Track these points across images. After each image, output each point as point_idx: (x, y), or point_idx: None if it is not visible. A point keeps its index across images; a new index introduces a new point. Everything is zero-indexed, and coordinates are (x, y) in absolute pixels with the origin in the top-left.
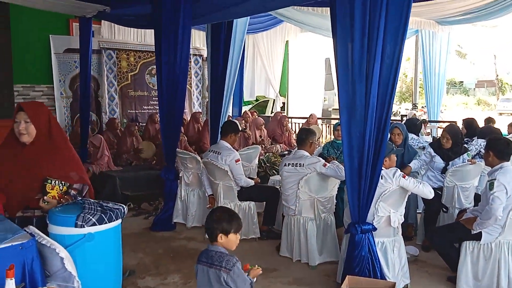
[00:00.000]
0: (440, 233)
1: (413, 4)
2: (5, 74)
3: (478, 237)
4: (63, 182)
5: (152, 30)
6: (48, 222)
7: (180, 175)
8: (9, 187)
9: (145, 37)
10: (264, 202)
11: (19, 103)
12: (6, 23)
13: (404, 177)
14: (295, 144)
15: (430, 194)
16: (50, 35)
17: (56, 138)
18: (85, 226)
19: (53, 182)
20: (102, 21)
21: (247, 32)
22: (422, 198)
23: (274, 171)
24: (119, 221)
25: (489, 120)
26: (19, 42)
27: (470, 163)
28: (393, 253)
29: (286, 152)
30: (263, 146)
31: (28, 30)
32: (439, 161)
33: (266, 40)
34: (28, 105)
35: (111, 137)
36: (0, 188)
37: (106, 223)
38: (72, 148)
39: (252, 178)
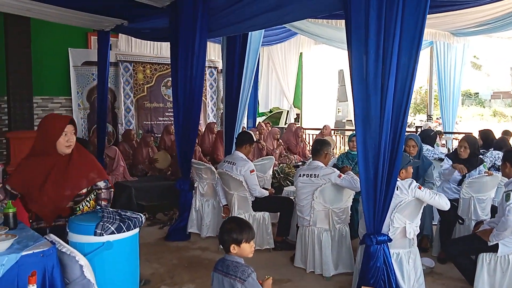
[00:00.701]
0: (456, 245)
1: (428, 16)
2: (26, 86)
3: (495, 249)
4: (88, 199)
5: (168, 43)
6: (68, 230)
7: (195, 185)
8: (42, 196)
9: (161, 50)
10: (279, 213)
11: (68, 116)
12: (27, 36)
13: (420, 188)
14: (309, 155)
15: (446, 205)
16: (68, 48)
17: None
18: (104, 234)
19: (81, 206)
20: (119, 34)
21: (262, 44)
22: (438, 210)
23: (288, 182)
24: (137, 230)
25: (506, 133)
26: (39, 55)
27: (486, 174)
28: (408, 265)
29: (300, 163)
30: (279, 156)
31: (47, 44)
32: (456, 173)
33: (281, 52)
34: (71, 118)
35: (127, 148)
36: (33, 197)
37: (124, 231)
38: (85, 150)
39: (266, 189)
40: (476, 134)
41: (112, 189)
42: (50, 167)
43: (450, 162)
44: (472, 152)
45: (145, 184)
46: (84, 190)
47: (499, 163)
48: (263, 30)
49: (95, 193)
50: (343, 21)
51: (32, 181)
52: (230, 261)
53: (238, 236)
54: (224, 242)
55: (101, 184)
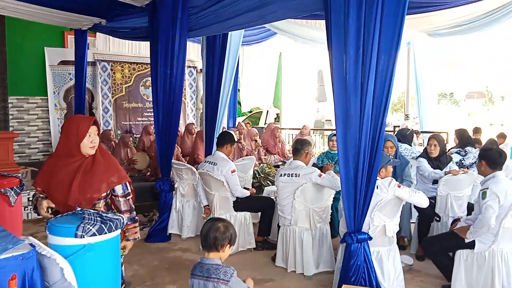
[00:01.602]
0: (434, 242)
1: (406, 17)
2: (1, 86)
3: (471, 246)
4: (104, 201)
5: (147, 43)
6: (47, 232)
7: (176, 186)
8: (69, 198)
9: (140, 49)
10: (260, 213)
11: (92, 117)
12: (1, 35)
13: (399, 186)
14: (289, 155)
15: (425, 202)
16: (45, 47)
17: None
18: (85, 236)
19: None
20: (97, 33)
21: (241, 44)
22: (415, 207)
23: (268, 181)
24: (119, 231)
25: (476, 130)
26: (14, 54)
27: (462, 172)
28: (388, 262)
29: (281, 163)
30: (258, 157)
31: (23, 42)
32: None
33: (260, 52)
34: (95, 119)
35: (105, 149)
36: (59, 197)
37: (106, 233)
38: (107, 151)
39: (247, 189)
40: (451, 134)
41: (131, 196)
42: (76, 168)
43: (425, 161)
44: (442, 149)
45: None
46: (104, 194)
47: None
48: (243, 30)
49: (111, 198)
50: (323, 21)
51: (59, 182)
52: (209, 264)
53: (235, 236)
54: (218, 242)
55: (119, 190)
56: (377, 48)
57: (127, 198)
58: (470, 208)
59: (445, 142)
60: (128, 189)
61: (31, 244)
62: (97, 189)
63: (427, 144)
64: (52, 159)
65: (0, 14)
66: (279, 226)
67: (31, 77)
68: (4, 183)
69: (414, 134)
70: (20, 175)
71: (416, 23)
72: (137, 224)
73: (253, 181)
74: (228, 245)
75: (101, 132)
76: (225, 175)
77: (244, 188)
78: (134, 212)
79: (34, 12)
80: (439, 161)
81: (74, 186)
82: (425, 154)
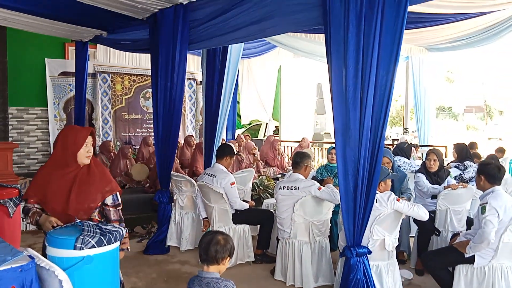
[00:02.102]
0: (433, 257)
1: (404, 32)
2: (1, 97)
3: (471, 260)
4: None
5: (147, 55)
6: (46, 244)
7: (175, 198)
8: (67, 208)
9: (140, 61)
10: (259, 226)
11: (89, 128)
12: (3, 46)
13: (398, 200)
14: (288, 167)
15: (425, 215)
16: (45, 59)
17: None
18: (84, 248)
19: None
20: (98, 45)
21: (241, 57)
22: (415, 221)
23: (267, 194)
24: (118, 243)
25: (472, 145)
26: (15, 65)
27: (461, 186)
28: (388, 277)
29: (280, 176)
30: (256, 170)
31: (24, 53)
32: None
33: (260, 64)
34: (92, 129)
35: (104, 160)
36: (57, 208)
37: (105, 245)
38: (99, 161)
39: (246, 201)
40: (450, 148)
41: (120, 207)
42: (73, 178)
43: (424, 176)
44: (441, 164)
45: (123, 196)
46: (99, 203)
47: None
48: (243, 43)
49: (101, 208)
50: (322, 35)
51: (56, 192)
52: (209, 278)
53: (233, 249)
54: (219, 255)
55: (109, 200)
56: (376, 62)
57: (117, 208)
58: (469, 222)
59: (444, 156)
60: (118, 200)
61: (30, 256)
62: (94, 199)
63: (426, 159)
64: (45, 170)
65: (1, 25)
66: (278, 239)
67: (32, 87)
68: (3, 194)
69: (413, 148)
70: (19, 185)
71: (415, 38)
72: (127, 235)
73: (252, 194)
74: (228, 258)
75: (100, 143)
76: (224, 188)
77: (243, 200)
78: (124, 223)
79: (35, 23)
80: (438, 176)
81: (73, 196)
82: (423, 169)
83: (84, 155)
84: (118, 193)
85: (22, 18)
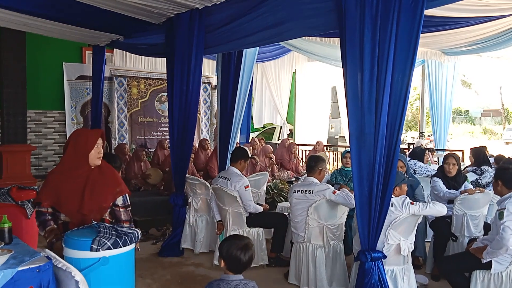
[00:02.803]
0: (450, 262)
1: (421, 35)
2: (20, 100)
3: (488, 266)
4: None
5: (162, 59)
6: (63, 245)
7: (189, 200)
8: (83, 209)
9: (156, 65)
10: (273, 229)
11: (100, 130)
12: (22, 50)
13: (412, 203)
14: (303, 171)
15: (443, 209)
16: (63, 63)
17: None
18: (100, 250)
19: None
20: (114, 49)
21: (256, 61)
22: (431, 226)
23: (281, 197)
24: (133, 245)
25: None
26: (34, 69)
27: (478, 191)
28: (403, 282)
29: (294, 179)
30: (271, 173)
31: (42, 58)
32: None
33: (274, 68)
34: (102, 131)
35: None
36: (72, 209)
37: (121, 247)
38: (108, 163)
39: (260, 205)
40: (467, 152)
41: (129, 208)
42: (85, 179)
43: (440, 181)
44: (459, 168)
45: (138, 199)
46: (111, 203)
47: None
48: (258, 47)
49: (111, 208)
50: (337, 38)
51: (70, 193)
52: (237, 280)
53: (254, 252)
54: (251, 260)
55: (119, 201)
56: (392, 66)
57: (127, 209)
58: (486, 227)
59: (461, 161)
60: (128, 201)
61: (47, 257)
62: (106, 199)
63: (445, 163)
64: (56, 173)
65: (20, 30)
66: (292, 243)
67: (50, 91)
68: (21, 196)
69: (429, 152)
70: (36, 187)
71: (431, 41)
72: None
73: (266, 197)
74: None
75: (116, 146)
76: (238, 191)
77: (257, 204)
78: (133, 224)
79: (53, 28)
80: (455, 181)
81: (87, 196)
82: (440, 173)
83: (96, 156)
84: (127, 194)
85: (41, 23)
